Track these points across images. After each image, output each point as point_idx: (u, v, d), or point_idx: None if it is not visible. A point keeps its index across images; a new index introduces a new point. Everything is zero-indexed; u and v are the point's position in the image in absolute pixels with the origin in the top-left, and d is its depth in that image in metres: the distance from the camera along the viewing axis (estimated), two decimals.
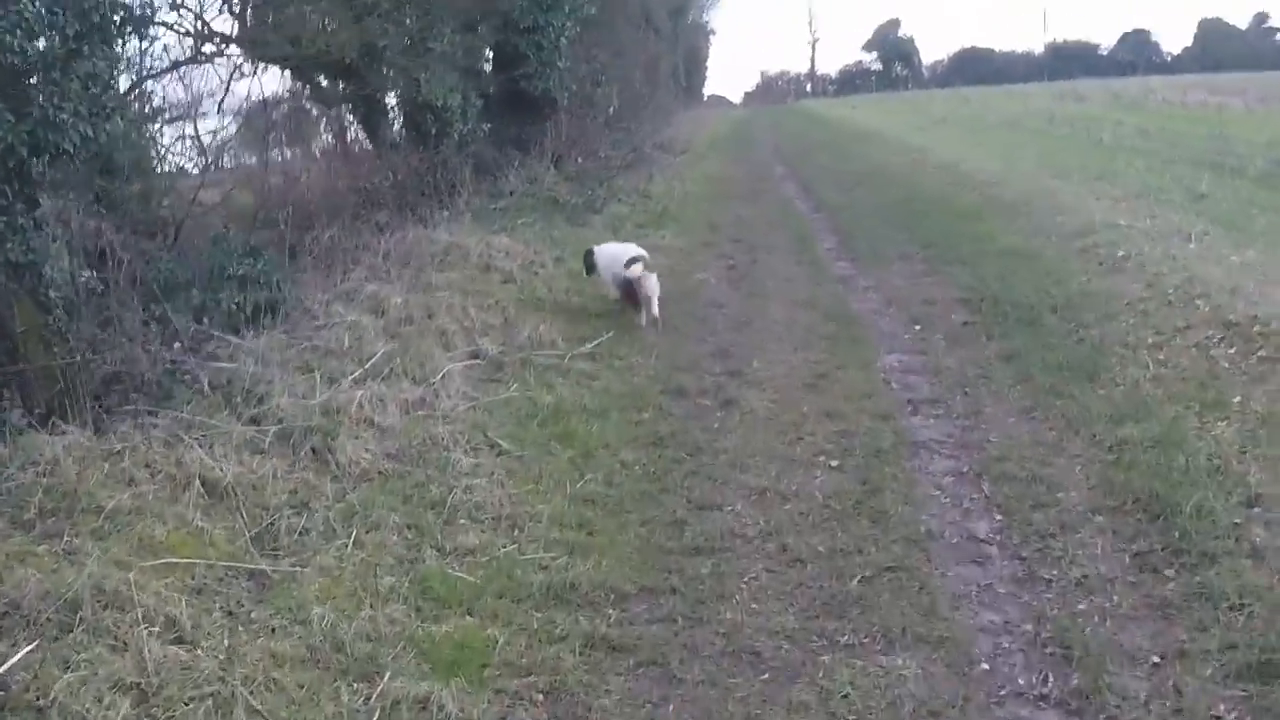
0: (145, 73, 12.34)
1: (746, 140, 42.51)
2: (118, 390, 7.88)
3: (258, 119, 15.03)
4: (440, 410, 8.23)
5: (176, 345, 8.14)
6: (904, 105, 62.01)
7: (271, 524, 6.27)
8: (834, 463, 7.09)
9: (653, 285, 11.20)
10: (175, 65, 12.60)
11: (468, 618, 5.46)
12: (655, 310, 11.21)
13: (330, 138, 17.99)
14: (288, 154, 17.84)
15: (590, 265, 12.12)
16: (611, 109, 25.94)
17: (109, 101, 8.24)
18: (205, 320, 9.34)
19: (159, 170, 13.38)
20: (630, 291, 11.44)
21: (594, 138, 23.26)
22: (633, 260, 11.34)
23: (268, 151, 16.33)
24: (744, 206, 20.67)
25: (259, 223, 13.48)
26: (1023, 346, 9.21)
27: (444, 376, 8.83)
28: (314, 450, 7.15)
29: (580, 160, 21.81)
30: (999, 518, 6.23)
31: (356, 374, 8.47)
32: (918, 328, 10.29)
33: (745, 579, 5.72)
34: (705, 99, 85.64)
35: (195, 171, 15.71)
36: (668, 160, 27.31)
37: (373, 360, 8.78)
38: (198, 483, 6.44)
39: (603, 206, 18.44)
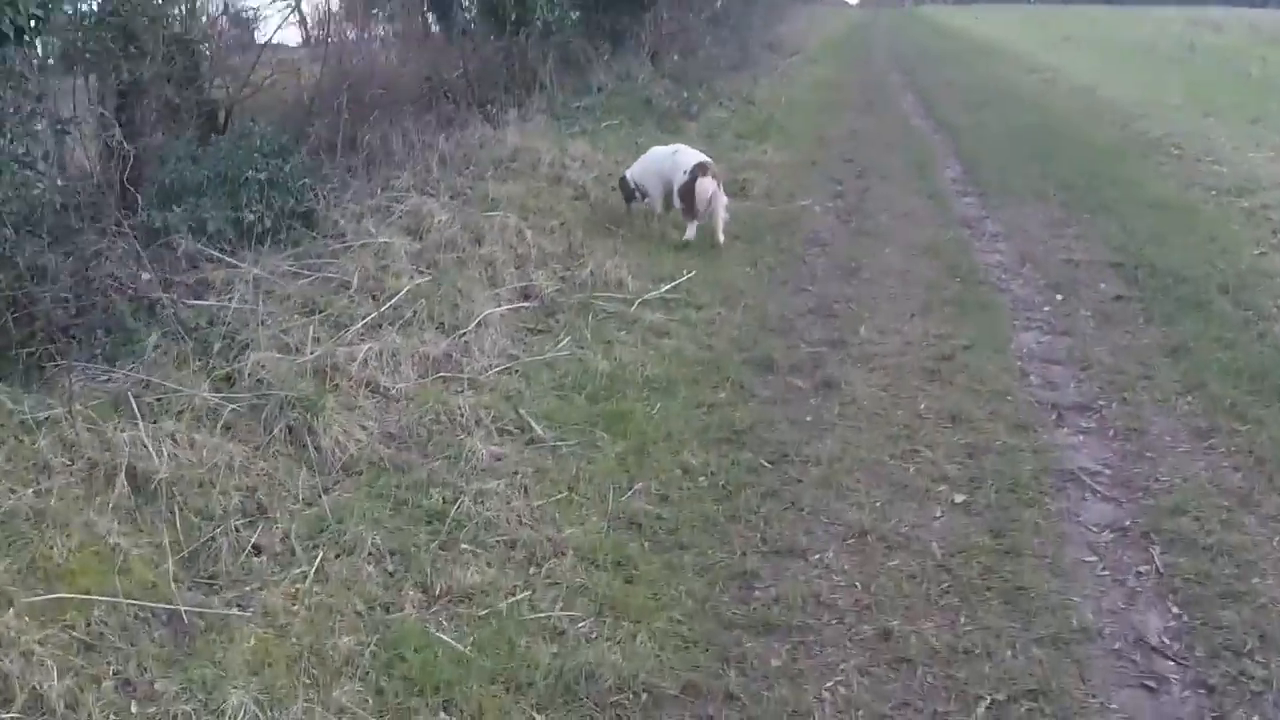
0: None
1: (863, 45, 40.04)
2: (66, 333, 6.42)
3: None
4: (468, 372, 6.71)
5: (146, 275, 6.59)
6: (1029, 19, 58.48)
7: (213, 540, 4.79)
8: (958, 496, 5.41)
9: (720, 196, 9.95)
10: None
11: (442, 716, 3.92)
12: (720, 231, 10.05)
13: (395, 21, 16.32)
14: (350, 35, 16.30)
15: (628, 193, 10.62)
16: (719, 3, 23.82)
17: None
18: (207, 236, 7.86)
19: (208, 48, 11.89)
20: (689, 199, 9.90)
21: (697, 34, 21.39)
22: (700, 167, 9.87)
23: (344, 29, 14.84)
24: (857, 120, 18.79)
25: (313, 112, 11.98)
26: (1190, 337, 7.43)
27: (480, 324, 7.27)
28: (290, 429, 5.63)
29: (680, 58, 19.95)
30: (1175, 610, 4.54)
31: (370, 317, 6.95)
32: (1059, 297, 8.51)
33: (829, 683, 4.11)
34: None
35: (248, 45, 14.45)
36: (776, 62, 25.38)
37: (394, 300, 7.24)
38: (123, 477, 4.94)
39: (700, 111, 16.70)
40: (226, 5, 12.38)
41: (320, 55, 13.10)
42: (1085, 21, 51.22)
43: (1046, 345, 7.49)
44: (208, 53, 11.63)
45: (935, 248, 9.93)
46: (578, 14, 16.11)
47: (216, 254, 7.63)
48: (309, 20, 14.48)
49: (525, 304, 8.02)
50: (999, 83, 23.94)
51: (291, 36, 15.93)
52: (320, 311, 6.95)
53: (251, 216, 8.40)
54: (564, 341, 7.33)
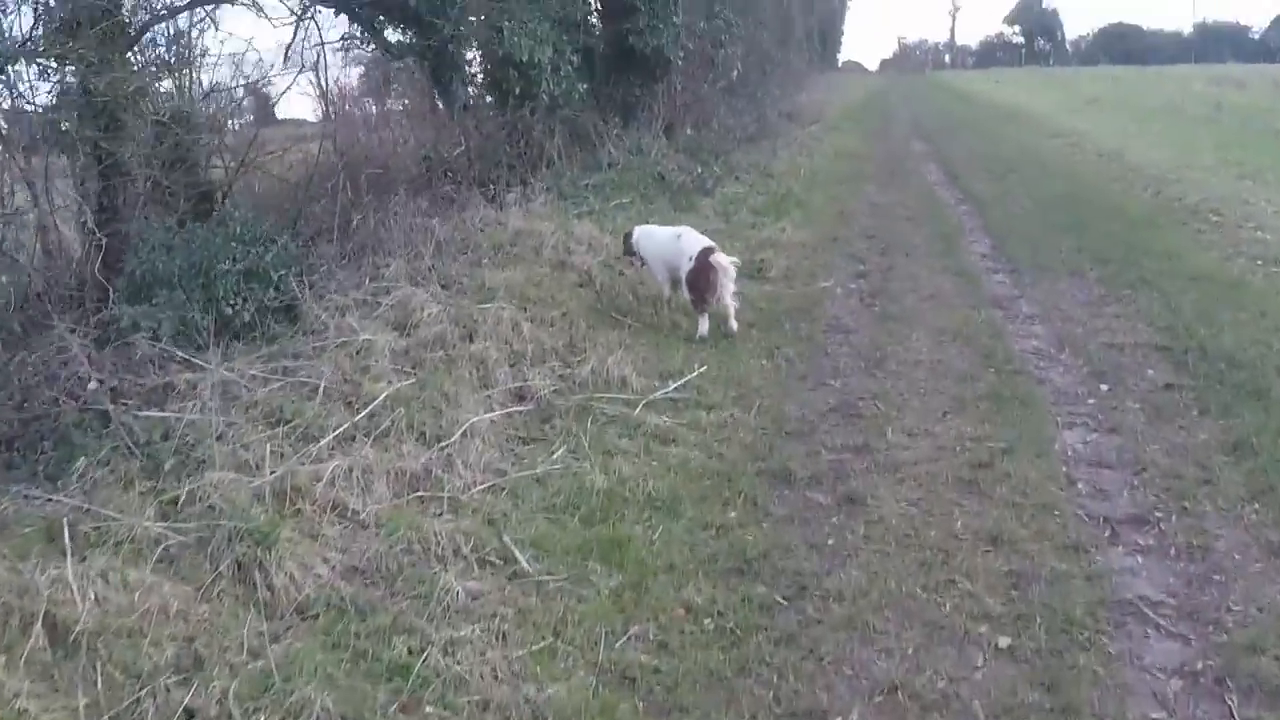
0: (159, 10, 10.36)
1: (883, 112, 39.61)
2: (10, 446, 5.86)
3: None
4: (449, 490, 6.06)
5: (93, 383, 5.99)
6: (1049, 82, 58.25)
7: (138, 703, 4.12)
8: (1002, 639, 4.70)
9: (730, 279, 9.40)
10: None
11: None
12: (733, 318, 9.52)
13: (406, 97, 15.89)
14: (359, 111, 15.94)
15: (629, 246, 10.39)
16: (735, 72, 23.36)
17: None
18: (174, 335, 7.30)
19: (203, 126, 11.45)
20: (700, 286, 9.36)
21: (712, 104, 20.97)
22: (707, 251, 9.37)
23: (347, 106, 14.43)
24: (879, 191, 18.21)
25: (310, 194, 11.49)
26: (1252, 431, 6.72)
27: (466, 433, 6.64)
28: (239, 565, 4.98)
29: (694, 130, 19.52)
30: None
31: (343, 428, 6.33)
32: (1104, 388, 7.82)
33: None
34: (839, 65, 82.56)
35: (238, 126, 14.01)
36: (795, 132, 24.91)
37: (371, 407, 6.60)
38: (40, 627, 4.32)
39: (715, 187, 16.16)
40: (214, 87, 11.74)
41: (326, 133, 12.62)
42: (1107, 83, 50.88)
43: (1094, 446, 6.78)
44: (201, 131, 11.15)
45: (966, 332, 9.27)
46: (586, 86, 15.66)
47: (182, 355, 7.05)
48: (329, 94, 14.03)
49: (518, 408, 7.39)
50: (1023, 149, 23.34)
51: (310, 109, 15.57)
52: (287, 422, 6.34)
53: (229, 310, 7.86)
54: (558, 452, 6.69)
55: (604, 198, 13.78)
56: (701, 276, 9.30)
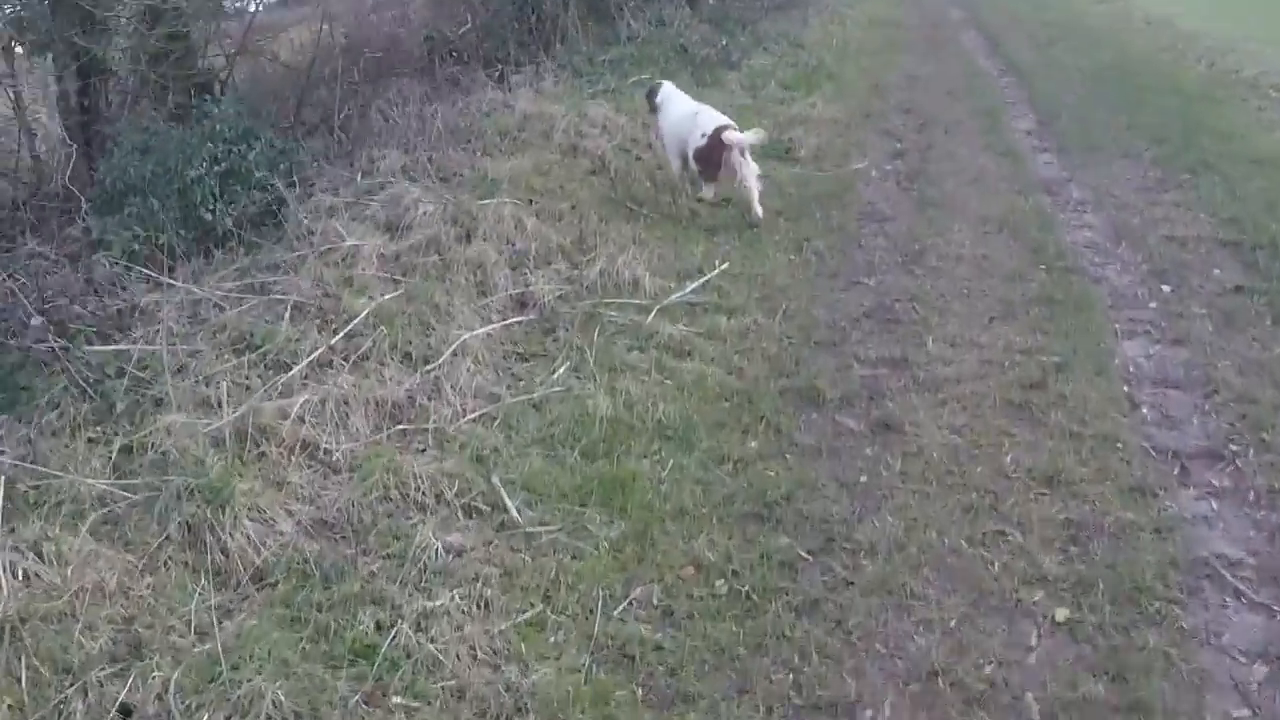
0: None
1: None
2: None
3: None
4: (435, 421, 5.45)
5: (35, 319, 5.38)
6: None
7: (65, 701, 3.59)
8: (1060, 611, 4.08)
9: (749, 163, 8.76)
10: None
11: None
12: (757, 204, 8.81)
13: None
14: None
15: (652, 103, 9.59)
16: None
17: None
18: (135, 250, 6.70)
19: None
20: (711, 162, 8.78)
21: None
22: (720, 129, 8.64)
23: None
24: (916, 62, 17.24)
25: (310, 81, 10.77)
26: None
27: (457, 352, 6.01)
28: (189, 528, 4.40)
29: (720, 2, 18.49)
30: None
31: (318, 353, 5.72)
32: (1166, 289, 7.11)
33: None
34: None
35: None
36: None
37: (352, 325, 5.98)
38: None
39: (741, 59, 15.24)
40: None
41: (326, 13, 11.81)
42: None
43: (1158, 360, 6.11)
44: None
45: (1013, 221, 8.54)
46: None
47: (146, 272, 6.44)
48: None
49: (519, 318, 6.74)
50: (1067, 16, 22.07)
51: None
52: (257, 348, 5.72)
53: (209, 217, 7.24)
54: (560, 371, 6.06)
55: (621, 74, 12.93)
56: (714, 153, 8.67)
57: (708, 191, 8.99)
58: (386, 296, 6.35)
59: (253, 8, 12.91)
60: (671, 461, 5.17)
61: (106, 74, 9.28)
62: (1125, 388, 5.78)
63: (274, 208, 7.59)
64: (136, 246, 6.63)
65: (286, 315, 6.05)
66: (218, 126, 7.91)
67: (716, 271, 7.60)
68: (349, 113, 9.63)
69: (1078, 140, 11.18)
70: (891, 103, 13.79)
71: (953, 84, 15.10)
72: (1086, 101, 13.10)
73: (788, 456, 5.23)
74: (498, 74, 12.02)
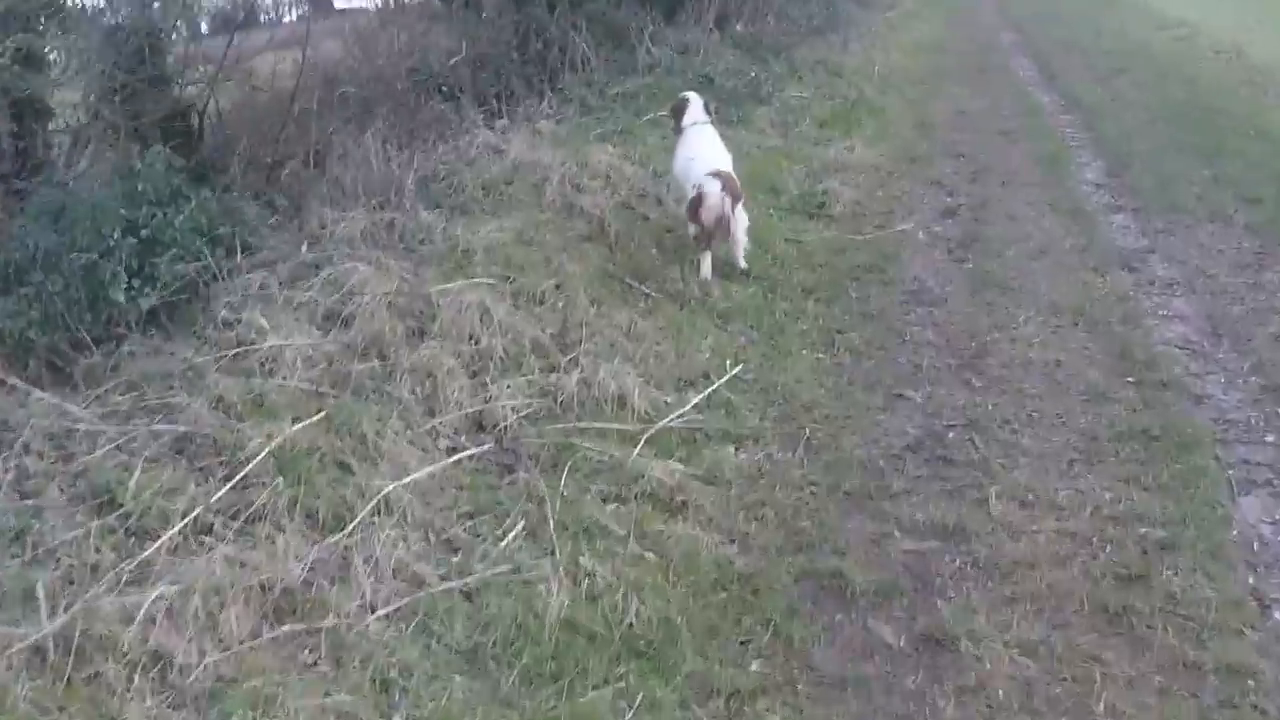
0: None
1: None
2: None
3: None
4: (333, 617, 4.08)
5: None
6: None
7: None
8: None
9: (738, 216, 7.86)
10: None
11: None
12: (740, 256, 8.05)
13: None
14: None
15: (677, 121, 8.64)
16: None
17: None
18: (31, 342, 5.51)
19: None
20: (693, 217, 7.77)
21: None
22: (712, 176, 7.70)
23: None
24: (966, 94, 15.89)
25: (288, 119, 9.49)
26: None
27: (380, 508, 4.66)
28: None
29: (751, 23, 17.10)
30: None
31: (193, 515, 4.36)
32: None
33: None
34: None
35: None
36: (870, 21, 22.33)
37: (245, 472, 4.64)
38: None
39: (774, 91, 13.82)
40: None
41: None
42: None
43: None
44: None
45: (1090, 311, 7.21)
46: None
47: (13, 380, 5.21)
48: None
49: (471, 450, 5.38)
50: (1128, 44, 20.46)
51: None
52: (118, 507, 4.37)
53: (122, 299, 5.96)
54: (509, 538, 4.67)
55: (635, 110, 11.63)
56: (694, 205, 7.69)
57: (704, 268, 7.81)
58: (298, 426, 4.99)
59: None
60: (641, 694, 3.79)
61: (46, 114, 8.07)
62: (1250, 578, 4.35)
63: (203, 286, 6.32)
64: (34, 336, 5.35)
65: (163, 456, 4.71)
66: (140, 186, 6.63)
67: (727, 377, 6.25)
68: (301, 162, 8.32)
69: (1155, 197, 9.76)
70: (939, 145, 12.43)
71: (1007, 122, 13.69)
72: (1160, 147, 11.66)
73: (800, 689, 3.86)
74: (495, 111, 10.73)
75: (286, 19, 14.45)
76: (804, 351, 6.77)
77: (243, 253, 6.76)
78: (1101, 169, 11.16)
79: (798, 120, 12.96)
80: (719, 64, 14.35)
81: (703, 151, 8.16)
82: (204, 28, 11.70)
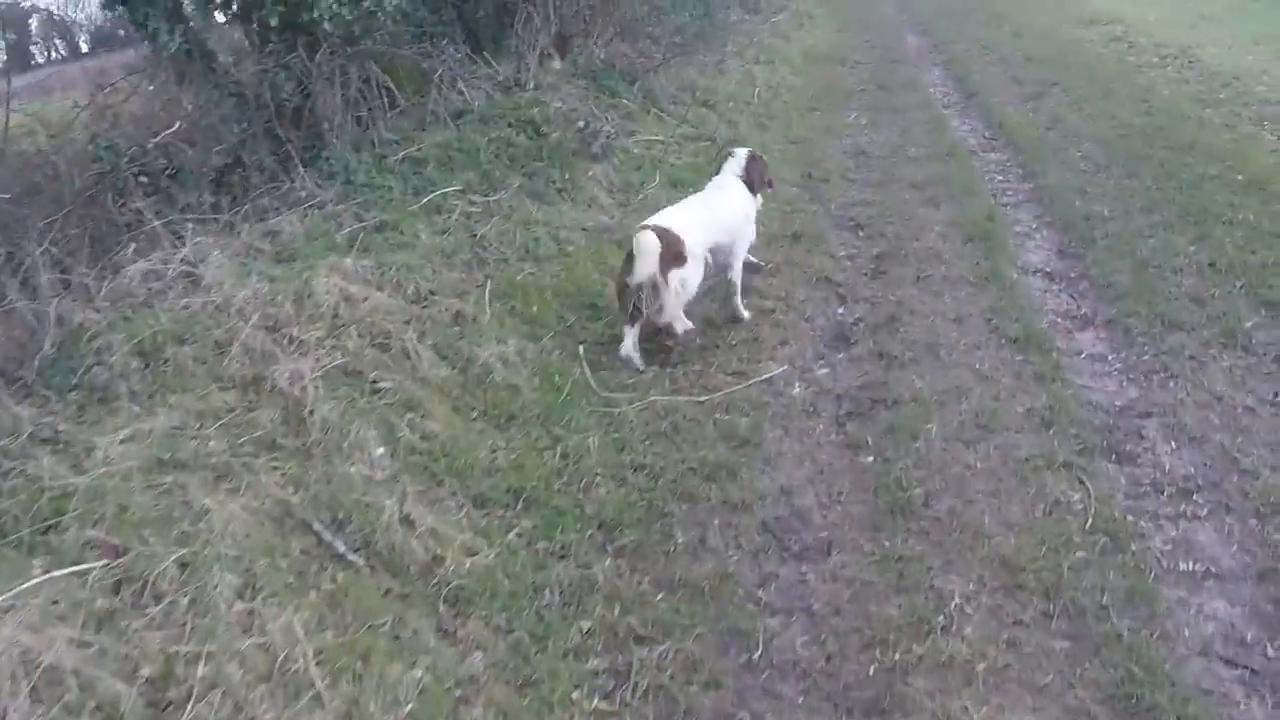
0: None
1: None
2: None
3: None
4: None
5: None
6: None
7: None
8: None
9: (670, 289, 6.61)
10: None
11: None
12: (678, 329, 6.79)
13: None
14: None
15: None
16: None
17: None
18: None
19: None
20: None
21: (634, 4, 15.37)
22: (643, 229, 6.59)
23: None
24: (866, 124, 13.18)
25: None
26: None
27: None
28: None
29: (601, 44, 14.11)
30: None
31: None
32: None
33: None
34: None
35: None
36: (754, 27, 19.45)
37: None
38: None
39: (612, 142, 10.84)
40: None
41: None
42: None
43: None
44: None
45: (1070, 572, 4.46)
46: (401, 3, 10.41)
47: None
48: None
49: None
50: (1054, 46, 17.59)
51: None
52: None
53: None
54: None
55: (418, 185, 8.74)
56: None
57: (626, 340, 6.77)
58: None
59: None
60: None
61: None
62: None
63: None
64: None
65: None
66: None
67: None
68: None
69: (1134, 299, 7.03)
70: (832, 211, 9.62)
71: (921, 167, 10.87)
72: (1125, 207, 8.89)
73: None
74: (217, 204, 7.79)
75: None
76: (577, 694, 3.87)
77: None
78: (1051, 244, 8.42)
79: (645, 179, 10.10)
80: (550, 104, 11.41)
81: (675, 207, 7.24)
82: None
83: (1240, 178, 9.24)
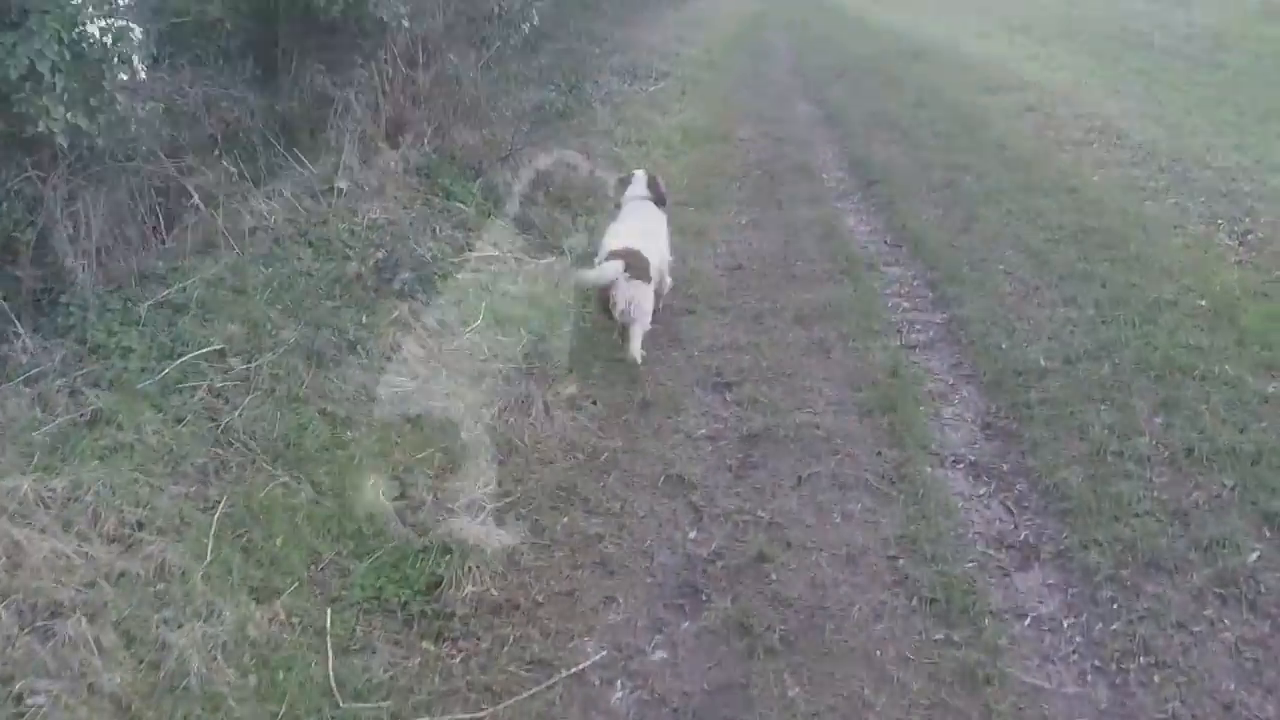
0: None
1: (756, 49, 29.51)
2: None
3: None
4: None
5: None
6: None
7: None
8: None
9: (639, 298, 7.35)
10: None
11: None
12: (637, 345, 7.43)
13: None
14: None
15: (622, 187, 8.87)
16: (529, 24, 15.12)
17: None
18: None
19: None
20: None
21: (478, 83, 13.34)
22: (612, 256, 7.30)
23: None
24: (747, 224, 11.34)
25: None
26: None
27: None
28: None
29: (437, 135, 12.10)
30: None
31: None
32: None
33: None
34: None
35: None
36: (629, 98, 17.58)
37: None
38: None
39: (427, 270, 8.86)
40: None
41: None
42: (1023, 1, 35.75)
43: None
44: None
45: None
46: (158, 105, 8.46)
47: None
48: None
49: None
50: (961, 118, 15.78)
51: None
52: None
53: None
54: None
55: (166, 346, 6.88)
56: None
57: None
58: None
59: None
60: None
61: None
62: None
63: None
64: None
65: None
66: None
67: None
68: None
69: (1092, 516, 5.34)
70: (696, 354, 7.74)
71: (809, 289, 8.98)
72: (1066, 350, 7.16)
73: None
74: None
75: None
76: None
77: None
78: (974, 412, 6.62)
79: (467, 318, 8.21)
80: (365, 214, 9.49)
81: (619, 228, 7.95)
82: None
83: (1204, 303, 7.58)
